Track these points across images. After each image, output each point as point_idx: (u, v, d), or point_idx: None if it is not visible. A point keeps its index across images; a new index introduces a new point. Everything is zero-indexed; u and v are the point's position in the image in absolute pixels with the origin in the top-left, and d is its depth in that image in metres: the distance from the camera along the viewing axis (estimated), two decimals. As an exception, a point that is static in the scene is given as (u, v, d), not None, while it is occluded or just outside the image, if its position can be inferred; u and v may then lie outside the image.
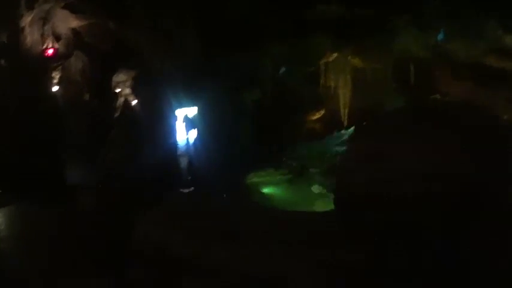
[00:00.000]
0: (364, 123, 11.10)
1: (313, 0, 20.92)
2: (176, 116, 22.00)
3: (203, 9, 19.85)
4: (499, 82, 22.24)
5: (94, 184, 17.34)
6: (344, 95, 24.43)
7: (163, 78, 20.03)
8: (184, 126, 24.38)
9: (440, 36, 20.35)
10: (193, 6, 19.87)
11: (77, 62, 19.24)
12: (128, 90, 20.15)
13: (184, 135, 24.26)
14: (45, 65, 18.81)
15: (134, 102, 20.26)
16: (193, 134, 23.76)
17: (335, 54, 23.25)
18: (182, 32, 19.97)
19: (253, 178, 22.64)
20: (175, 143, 21.83)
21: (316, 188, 22.21)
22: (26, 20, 18.10)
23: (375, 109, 25.09)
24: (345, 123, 24.80)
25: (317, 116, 25.38)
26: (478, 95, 22.96)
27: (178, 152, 22.44)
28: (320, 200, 20.63)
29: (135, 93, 20.16)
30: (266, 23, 20.90)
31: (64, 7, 18.55)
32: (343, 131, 24.96)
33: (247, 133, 22.78)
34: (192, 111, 23.63)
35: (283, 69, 23.57)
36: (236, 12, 20.49)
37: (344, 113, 24.64)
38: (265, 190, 22.15)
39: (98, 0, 18.62)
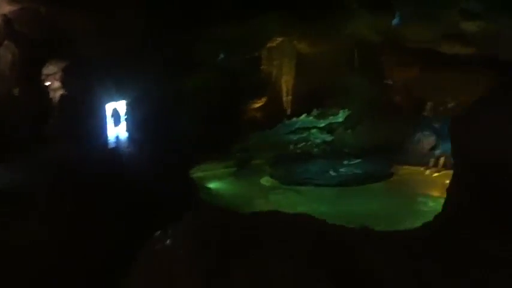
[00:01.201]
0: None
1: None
2: (106, 110, 20.03)
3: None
4: (449, 69, 21.90)
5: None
6: (287, 82, 23.05)
7: (96, 68, 17.70)
8: (114, 120, 22.59)
9: (395, 21, 19.37)
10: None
11: (6, 54, 16.53)
12: (57, 84, 17.67)
13: (115, 130, 22.40)
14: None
15: (65, 96, 17.79)
16: (125, 127, 21.86)
17: (280, 39, 21.68)
18: (123, 12, 17.63)
19: (196, 172, 20.76)
20: (106, 139, 19.48)
21: (266, 180, 20.80)
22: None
23: (320, 96, 24.28)
24: (288, 111, 23.46)
25: (259, 104, 23.81)
26: (423, 82, 22.88)
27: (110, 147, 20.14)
28: (273, 193, 19.25)
29: (65, 86, 17.71)
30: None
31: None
32: (294, 119, 23.68)
33: (188, 123, 20.72)
34: (124, 103, 21.76)
35: (223, 54, 21.65)
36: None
37: (287, 100, 23.26)
38: (211, 185, 20.40)
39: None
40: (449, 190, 9.07)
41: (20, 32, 16.63)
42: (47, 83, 17.65)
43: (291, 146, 23.61)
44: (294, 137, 23.68)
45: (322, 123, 23.92)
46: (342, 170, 20.88)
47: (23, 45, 16.50)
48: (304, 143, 23.68)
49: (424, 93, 23.17)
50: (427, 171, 21.49)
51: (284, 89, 23.07)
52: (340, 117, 23.84)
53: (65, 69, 17.54)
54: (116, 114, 22.39)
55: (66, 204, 12.83)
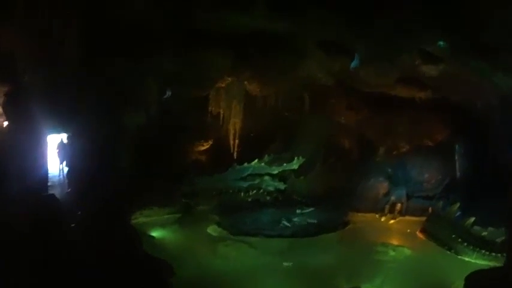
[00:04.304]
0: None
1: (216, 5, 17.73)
2: (47, 142, 18.18)
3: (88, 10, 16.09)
4: (401, 112, 21.66)
5: None
6: (235, 125, 21.69)
7: (36, 95, 16.14)
8: (58, 154, 21.45)
9: (354, 63, 18.56)
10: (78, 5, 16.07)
11: None
12: None
13: (58, 164, 21.52)
14: None
15: (5, 123, 16.27)
16: (66, 162, 20.59)
17: (229, 79, 20.43)
18: (63, 35, 16.14)
19: (138, 218, 19.20)
20: (45, 174, 17.71)
21: (213, 230, 19.30)
22: None
23: (268, 140, 23.29)
24: (235, 155, 22.15)
25: (205, 146, 22.59)
26: (374, 125, 22.41)
27: (49, 183, 18.53)
28: (222, 244, 17.79)
29: (6, 113, 16.12)
30: (155, 30, 17.46)
31: None
32: (245, 164, 22.55)
33: (129, 163, 19.11)
34: (66, 136, 20.41)
35: (169, 92, 20.28)
36: (124, 15, 16.87)
37: (234, 144, 21.94)
38: (154, 233, 18.69)
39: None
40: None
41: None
42: None
43: (242, 194, 22.31)
44: (245, 184, 22.45)
45: (275, 170, 22.87)
46: (295, 219, 19.68)
47: None
48: (255, 191, 22.44)
49: (376, 137, 22.61)
50: (383, 218, 20.92)
51: (231, 131, 21.71)
52: (295, 164, 22.86)
53: (7, 94, 16.09)
54: (61, 146, 21.35)
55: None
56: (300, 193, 22.40)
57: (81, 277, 12.17)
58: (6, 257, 12.09)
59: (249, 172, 22.66)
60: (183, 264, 15.19)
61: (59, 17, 15.41)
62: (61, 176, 20.93)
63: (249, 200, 22.22)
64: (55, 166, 21.12)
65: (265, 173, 22.88)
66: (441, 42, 16.84)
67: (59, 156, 21.28)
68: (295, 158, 22.88)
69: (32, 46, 15.62)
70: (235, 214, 20.27)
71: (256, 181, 22.70)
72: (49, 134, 18.20)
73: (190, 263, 15.97)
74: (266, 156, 22.89)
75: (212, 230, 19.31)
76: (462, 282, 13.75)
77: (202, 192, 21.69)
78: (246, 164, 22.61)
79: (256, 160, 22.66)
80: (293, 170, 22.96)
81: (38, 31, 15.23)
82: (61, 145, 21.25)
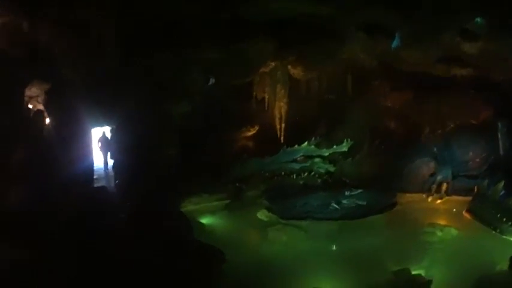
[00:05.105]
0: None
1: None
2: (91, 136, 18.88)
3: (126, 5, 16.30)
4: (444, 92, 21.44)
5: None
6: (280, 109, 21.86)
7: (78, 91, 16.47)
8: (100, 147, 21.48)
9: (395, 43, 18.51)
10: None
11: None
12: (40, 107, 16.49)
13: (101, 157, 21.91)
14: None
15: (47, 120, 16.54)
16: (111, 155, 21.09)
17: (273, 64, 20.56)
18: (101, 33, 16.36)
19: (187, 206, 19.43)
20: (91, 165, 18.29)
21: (263, 215, 19.56)
22: None
23: (314, 123, 23.35)
24: (282, 139, 22.27)
25: (251, 132, 22.81)
26: (417, 106, 22.35)
27: (95, 176, 19.26)
28: (272, 229, 18.02)
29: (48, 110, 16.46)
30: (198, 21, 17.58)
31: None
32: (296, 146, 22.63)
33: (175, 152, 19.47)
34: (109, 129, 21.02)
35: (213, 80, 20.49)
36: (163, 8, 17.03)
37: (280, 128, 22.09)
38: (204, 220, 19.02)
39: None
40: None
41: (0, 48, 15.26)
42: (30, 106, 16.75)
43: (294, 176, 22.41)
44: (297, 166, 22.51)
45: (326, 152, 22.88)
46: (343, 201, 19.66)
47: (3, 63, 15.02)
48: (307, 174, 22.50)
49: (420, 117, 22.49)
50: (430, 198, 20.82)
51: (277, 116, 21.86)
52: (345, 146, 22.80)
53: (48, 92, 16.55)
54: (103, 140, 21.54)
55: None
56: (347, 175, 22.33)
57: (133, 268, 12.50)
58: (56, 247, 12.56)
59: (300, 154, 22.70)
60: (234, 250, 15.27)
61: (97, 11, 15.77)
62: (106, 169, 21.40)
63: (301, 182, 22.21)
64: (99, 159, 21.55)
65: (316, 155, 22.88)
66: (478, 19, 16.86)
67: (102, 150, 21.70)
68: (345, 140, 22.82)
69: (70, 42, 16.02)
70: (284, 198, 20.24)
71: (308, 163, 22.72)
72: (92, 128, 18.75)
73: (241, 249, 16.21)
74: (313, 139, 22.86)
75: (262, 215, 19.52)
76: (507, 263, 13.83)
77: (254, 175, 21.90)
78: (296, 146, 22.61)
79: (305, 143, 22.69)
80: (342, 153, 22.93)
81: (76, 26, 15.62)
82: (103, 138, 21.69)
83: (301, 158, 22.79)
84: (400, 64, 20.37)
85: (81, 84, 16.81)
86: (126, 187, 17.99)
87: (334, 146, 22.89)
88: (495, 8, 16.13)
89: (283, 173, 22.38)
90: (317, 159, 22.81)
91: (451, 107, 21.77)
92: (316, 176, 22.54)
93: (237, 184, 21.37)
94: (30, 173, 14.44)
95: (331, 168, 22.76)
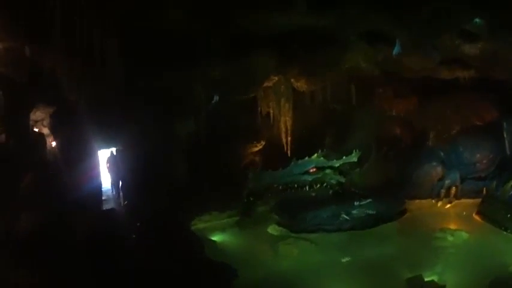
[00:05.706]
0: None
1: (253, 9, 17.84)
2: (98, 157, 18.63)
3: (129, 24, 16.43)
4: (448, 95, 21.63)
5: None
6: (285, 123, 21.90)
7: (83, 112, 16.57)
8: (108, 168, 21.46)
9: (396, 50, 18.56)
10: (118, 21, 16.40)
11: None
12: (46, 130, 16.54)
13: (109, 178, 21.40)
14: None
15: (53, 143, 16.63)
16: (119, 175, 20.74)
17: (276, 78, 20.65)
18: (105, 54, 16.50)
19: (197, 224, 19.57)
20: (99, 187, 18.16)
21: (274, 229, 19.61)
22: None
23: (318, 135, 23.41)
24: (289, 153, 22.28)
25: (258, 147, 22.76)
26: (422, 111, 22.43)
27: (104, 197, 18.90)
28: (283, 243, 18.04)
29: (54, 133, 16.55)
30: (199, 38, 17.70)
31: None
32: (306, 158, 22.69)
33: (183, 170, 19.56)
34: (116, 149, 20.70)
35: (217, 96, 20.67)
36: (165, 25, 17.18)
37: (287, 141, 22.09)
38: (215, 238, 19.10)
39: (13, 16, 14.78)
40: None
41: (4, 74, 15.41)
42: (36, 129, 16.48)
43: (306, 188, 22.48)
44: (309, 178, 22.54)
45: (336, 163, 22.92)
46: (353, 212, 19.66)
47: (8, 88, 15.15)
48: (319, 185, 22.60)
49: (425, 122, 22.56)
50: (439, 203, 20.84)
51: (283, 129, 21.89)
52: (354, 156, 22.84)
53: (53, 115, 16.45)
54: (112, 161, 21.45)
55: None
56: (356, 185, 22.39)
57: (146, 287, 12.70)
58: (71, 270, 12.65)
59: (312, 166, 22.72)
60: (246, 266, 15.37)
61: (99, 33, 15.89)
62: (113, 191, 21.12)
63: (313, 194, 22.27)
64: (107, 181, 21.21)
65: (327, 167, 22.92)
66: (477, 20, 16.92)
67: (109, 171, 21.38)
68: (354, 151, 22.86)
69: (74, 64, 16.09)
70: (294, 212, 20.24)
71: (320, 175, 22.75)
72: (99, 149, 18.57)
73: (252, 264, 16.26)
74: (320, 151, 22.94)
75: (272, 229, 19.58)
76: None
77: (266, 189, 22.00)
78: (307, 158, 22.68)
79: (315, 154, 22.77)
80: (351, 163, 22.98)
81: (80, 49, 15.74)
82: (111, 159, 21.44)
83: (313, 169, 22.79)
84: (402, 71, 20.38)
85: (87, 106, 16.91)
86: (136, 208, 18.12)
87: (344, 157, 22.94)
88: (495, 8, 16.23)
89: (296, 186, 22.42)
90: (328, 171, 22.87)
91: (455, 109, 21.92)
92: (328, 187, 22.61)
93: (251, 198, 21.46)
94: (39, 198, 14.54)
95: (342, 179, 22.83)
